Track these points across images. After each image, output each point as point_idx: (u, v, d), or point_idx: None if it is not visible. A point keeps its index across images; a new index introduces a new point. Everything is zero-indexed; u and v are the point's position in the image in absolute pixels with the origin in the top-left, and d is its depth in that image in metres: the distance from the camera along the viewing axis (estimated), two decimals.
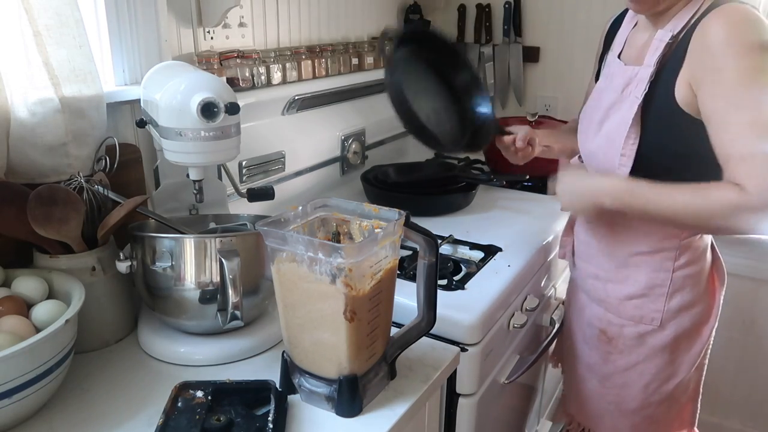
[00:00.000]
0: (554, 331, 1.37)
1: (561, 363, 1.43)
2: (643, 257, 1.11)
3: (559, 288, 1.53)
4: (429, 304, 0.89)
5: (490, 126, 1.26)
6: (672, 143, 1.01)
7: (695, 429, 1.26)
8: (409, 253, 1.26)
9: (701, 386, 1.23)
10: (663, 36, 0.99)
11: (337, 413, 0.82)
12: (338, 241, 0.88)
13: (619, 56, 1.12)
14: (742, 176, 0.88)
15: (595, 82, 1.22)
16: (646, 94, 1.00)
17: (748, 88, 0.89)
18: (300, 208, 0.85)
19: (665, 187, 0.95)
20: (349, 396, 0.81)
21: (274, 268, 0.81)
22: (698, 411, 1.25)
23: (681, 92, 0.97)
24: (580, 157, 1.21)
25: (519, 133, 1.24)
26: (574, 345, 1.28)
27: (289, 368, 0.85)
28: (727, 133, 0.91)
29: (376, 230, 0.84)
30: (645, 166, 1.02)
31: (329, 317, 0.78)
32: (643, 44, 1.06)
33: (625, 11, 1.18)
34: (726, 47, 0.90)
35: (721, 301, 1.16)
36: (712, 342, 1.18)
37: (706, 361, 1.21)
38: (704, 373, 1.22)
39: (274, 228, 0.79)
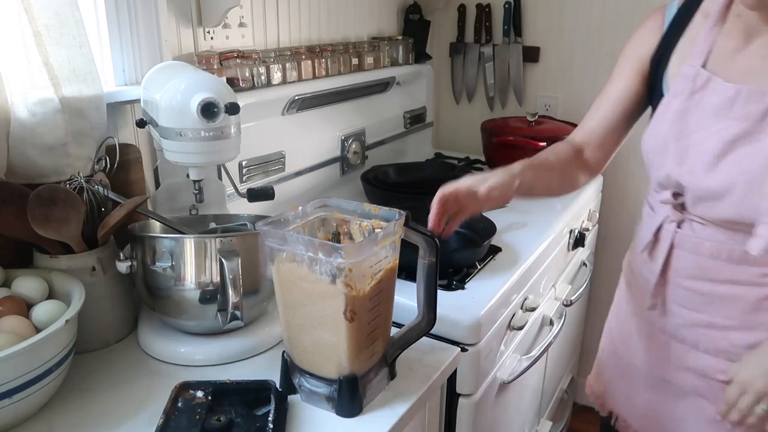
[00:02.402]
0: (555, 331, 1.37)
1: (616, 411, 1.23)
2: None
3: (559, 288, 1.53)
4: (429, 304, 0.89)
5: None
6: None
7: None
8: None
9: None
10: None
11: (337, 413, 0.82)
12: (338, 241, 0.88)
13: (703, 66, 0.94)
14: None
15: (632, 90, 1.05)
16: None
17: None
18: (300, 208, 0.85)
19: None
20: (350, 396, 0.81)
21: (273, 268, 0.81)
22: None
23: None
24: (676, 194, 0.98)
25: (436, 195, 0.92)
26: (679, 402, 1.09)
27: (289, 368, 0.85)
28: None
29: (376, 230, 0.84)
30: None
31: (329, 317, 0.78)
32: (763, 59, 0.89)
33: (683, 7, 1.00)
34: None
35: None
36: None
37: None
38: None
39: (274, 228, 0.79)
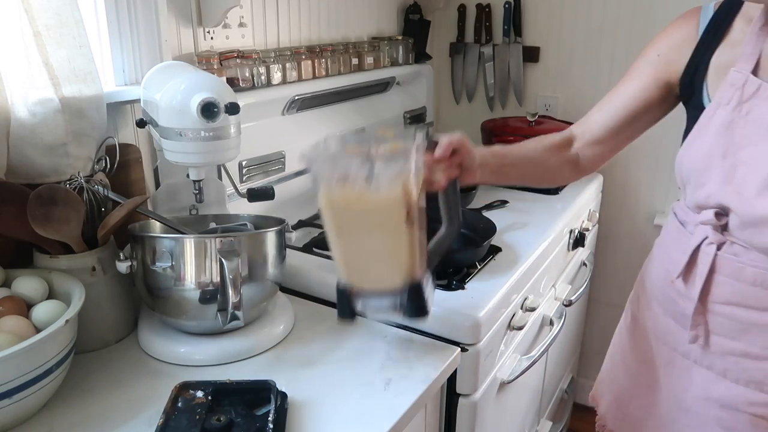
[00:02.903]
0: (555, 331, 1.37)
1: None
2: None
3: (559, 288, 1.53)
4: (451, 217, 0.93)
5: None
6: None
7: None
8: None
9: None
10: None
11: (407, 317, 0.87)
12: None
13: (754, 73, 0.86)
14: None
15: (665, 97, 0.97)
16: None
17: None
18: (321, 146, 0.83)
19: None
20: (416, 299, 0.85)
21: (324, 200, 0.81)
22: None
23: None
24: (719, 214, 0.90)
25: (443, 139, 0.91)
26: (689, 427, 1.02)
27: (348, 297, 0.88)
28: None
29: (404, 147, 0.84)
30: None
31: (389, 229, 0.81)
32: None
33: (720, 11, 0.92)
34: None
35: None
36: None
37: None
38: None
39: (321, 154, 0.81)
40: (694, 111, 0.93)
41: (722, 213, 0.90)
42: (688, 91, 0.95)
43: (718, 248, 0.91)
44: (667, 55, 0.97)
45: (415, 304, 0.85)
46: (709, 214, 0.91)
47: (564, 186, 1.73)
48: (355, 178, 0.79)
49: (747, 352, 0.93)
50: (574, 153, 1.08)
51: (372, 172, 0.79)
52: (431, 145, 0.91)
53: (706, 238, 0.92)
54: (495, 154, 1.01)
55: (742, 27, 0.89)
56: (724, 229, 0.91)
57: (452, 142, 0.91)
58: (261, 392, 0.82)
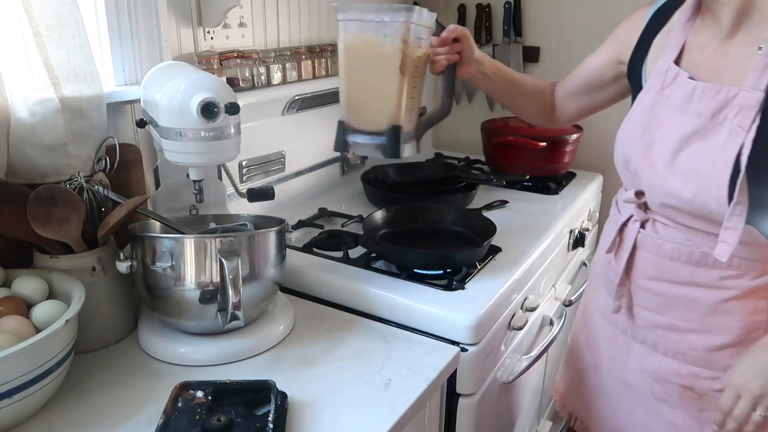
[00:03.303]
0: (555, 331, 1.37)
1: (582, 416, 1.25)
2: (734, 302, 0.94)
3: (559, 288, 1.53)
4: (447, 95, 1.14)
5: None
6: None
7: None
8: None
9: None
10: None
11: (384, 155, 1.05)
12: None
13: (676, 62, 0.94)
14: None
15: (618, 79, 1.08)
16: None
17: None
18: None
19: None
20: (395, 140, 1.04)
21: (342, 43, 1.04)
22: None
23: None
24: (638, 193, 0.99)
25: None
26: (638, 409, 1.09)
27: (345, 131, 1.08)
28: None
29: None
30: (754, 212, 0.85)
31: (387, 74, 1.02)
32: (724, 56, 0.90)
33: (667, 3, 1.01)
34: None
35: None
36: None
37: None
38: None
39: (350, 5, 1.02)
40: (635, 92, 1.03)
41: (641, 192, 0.98)
42: (632, 72, 1.04)
43: (642, 226, 1.00)
44: (622, 36, 1.07)
45: (392, 145, 1.04)
46: (630, 193, 1.00)
47: (564, 186, 1.73)
48: (369, 28, 1.01)
49: (671, 325, 1.00)
50: (552, 101, 1.23)
51: (383, 28, 1.00)
52: (439, 29, 1.11)
53: (631, 216, 1.01)
54: (492, 61, 1.19)
55: (677, 18, 0.98)
56: (647, 207, 1.00)
57: (456, 30, 1.10)
58: (261, 392, 0.82)
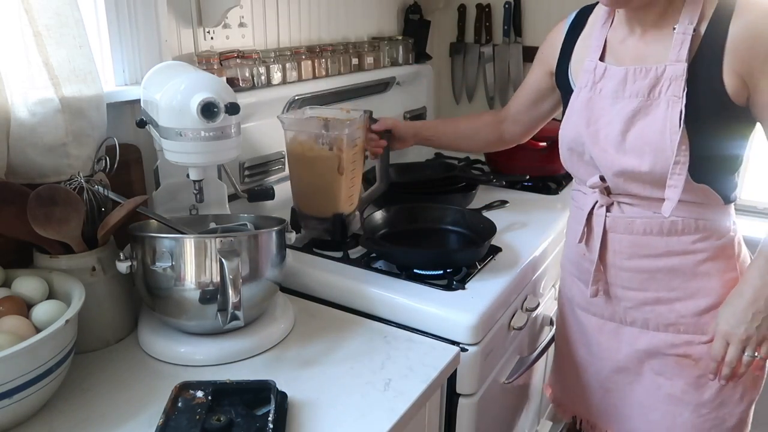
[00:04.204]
0: (555, 331, 1.37)
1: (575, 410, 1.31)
2: (709, 263, 1.04)
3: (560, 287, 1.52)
4: (382, 176, 1.37)
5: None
6: (725, 140, 0.98)
7: None
8: None
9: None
10: (685, 29, 0.94)
11: (331, 239, 1.25)
12: (328, 128, 1.23)
13: (601, 59, 1.05)
14: None
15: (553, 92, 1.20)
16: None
17: None
18: (293, 116, 1.31)
19: None
20: (340, 226, 1.25)
21: (288, 147, 1.26)
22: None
23: (731, 85, 0.93)
24: (602, 177, 1.06)
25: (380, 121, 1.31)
26: (639, 386, 1.15)
27: (298, 216, 1.28)
28: None
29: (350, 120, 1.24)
30: (700, 171, 0.97)
31: (327, 173, 1.22)
32: (645, 43, 1.00)
33: (578, 15, 1.15)
34: None
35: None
36: None
37: None
38: None
39: (294, 117, 1.29)
40: (566, 95, 1.13)
41: (604, 177, 1.06)
42: (560, 80, 1.16)
43: (608, 210, 1.07)
44: (546, 52, 1.21)
45: (338, 230, 1.24)
46: (595, 178, 1.07)
47: (564, 186, 1.73)
48: (310, 136, 1.21)
49: (658, 298, 1.07)
50: (501, 129, 1.34)
51: (322, 134, 1.20)
52: (373, 122, 1.31)
53: (596, 202, 1.08)
54: (429, 128, 1.41)
55: (592, 24, 1.11)
56: (609, 192, 1.07)
57: (386, 122, 1.32)
58: (261, 392, 0.82)
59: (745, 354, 0.99)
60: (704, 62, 0.94)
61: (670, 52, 0.96)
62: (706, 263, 1.04)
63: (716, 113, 0.96)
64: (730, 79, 0.93)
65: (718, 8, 0.94)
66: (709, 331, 1.04)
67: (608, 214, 1.07)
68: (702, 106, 0.95)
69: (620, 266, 1.09)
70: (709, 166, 0.98)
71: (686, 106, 0.94)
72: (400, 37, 1.94)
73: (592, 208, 1.09)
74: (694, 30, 0.94)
